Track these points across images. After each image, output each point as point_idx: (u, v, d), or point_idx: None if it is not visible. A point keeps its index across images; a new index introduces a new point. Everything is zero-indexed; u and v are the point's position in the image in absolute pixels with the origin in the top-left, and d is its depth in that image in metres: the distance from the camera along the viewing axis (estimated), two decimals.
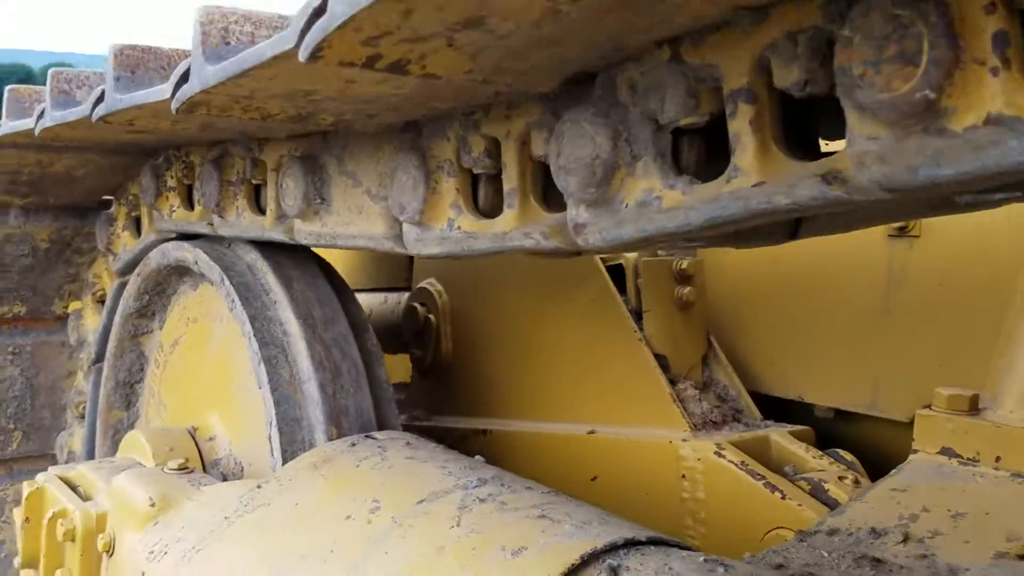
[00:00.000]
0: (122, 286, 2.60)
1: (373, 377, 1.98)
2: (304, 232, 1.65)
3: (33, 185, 2.38)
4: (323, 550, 1.44)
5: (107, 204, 2.64)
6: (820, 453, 1.92)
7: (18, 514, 2.10)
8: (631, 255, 2.18)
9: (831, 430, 2.22)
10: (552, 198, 1.12)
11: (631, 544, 1.20)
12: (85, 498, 2.03)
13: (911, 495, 1.49)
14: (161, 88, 1.38)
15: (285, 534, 1.53)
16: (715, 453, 1.85)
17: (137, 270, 2.46)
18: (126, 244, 2.51)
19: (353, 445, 1.75)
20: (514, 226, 1.16)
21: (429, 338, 2.65)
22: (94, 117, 1.40)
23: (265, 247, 2.11)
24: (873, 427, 2.19)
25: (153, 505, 1.75)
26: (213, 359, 2.32)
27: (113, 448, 2.69)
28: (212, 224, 2.04)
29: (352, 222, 1.51)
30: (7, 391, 2.76)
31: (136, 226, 2.52)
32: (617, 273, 2.21)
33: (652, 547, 1.21)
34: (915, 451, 1.64)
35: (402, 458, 1.66)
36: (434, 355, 2.63)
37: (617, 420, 2.11)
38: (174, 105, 1.30)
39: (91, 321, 2.74)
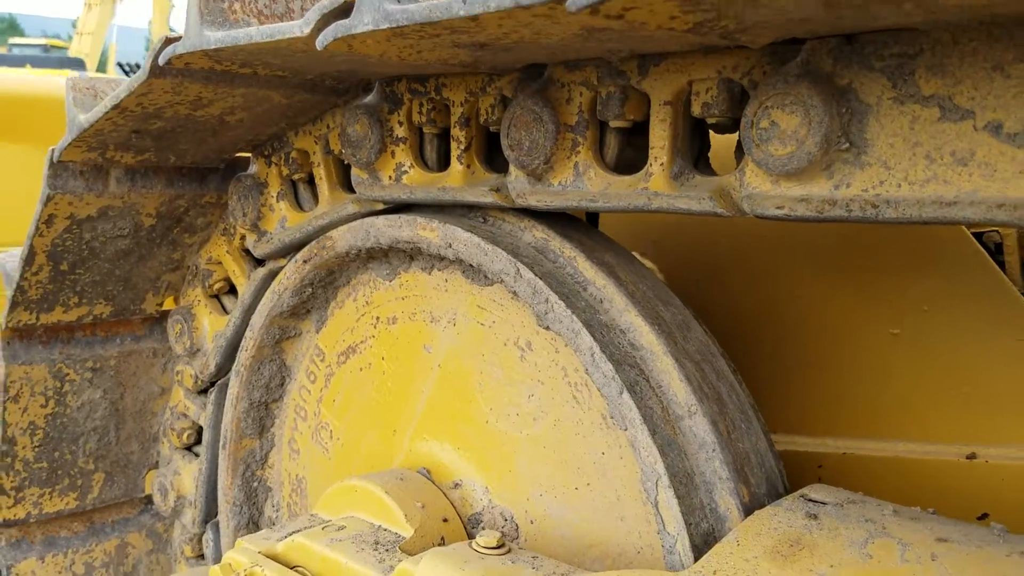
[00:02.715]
0: (270, 276, 1.92)
1: (749, 401, 1.41)
2: (785, 197, 1.06)
3: (161, 137, 1.66)
4: None
5: (236, 164, 1.94)
6: None
7: None
8: None
9: None
10: None
11: None
12: None
13: None
14: None
15: None
16: None
17: (303, 255, 1.79)
18: (285, 219, 1.82)
19: (814, 519, 1.19)
20: None
21: None
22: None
23: (550, 220, 1.50)
24: None
25: None
26: (437, 374, 1.69)
27: (245, 488, 2.03)
28: (503, 190, 1.41)
29: (943, 179, 0.94)
30: (85, 421, 2.04)
31: (295, 193, 1.84)
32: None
33: None
34: None
35: (932, 538, 1.11)
36: None
37: (1013, 439, 1.62)
38: None
39: (208, 322, 2.03)
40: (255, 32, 1.16)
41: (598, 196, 1.28)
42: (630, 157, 1.34)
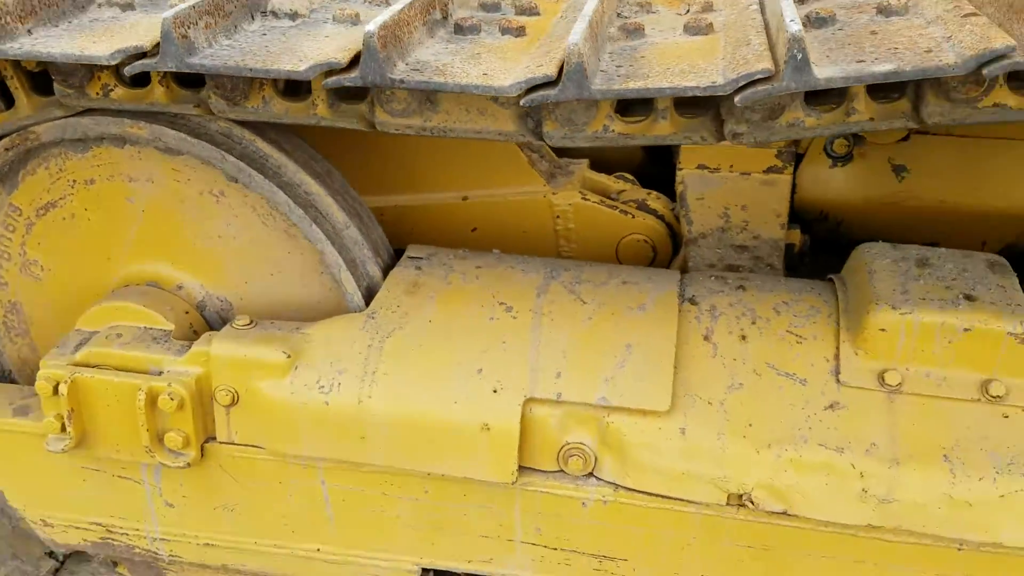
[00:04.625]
0: None
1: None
2: (399, 124, 2.04)
3: None
4: (497, 344, 2.17)
5: None
6: (614, 178, 2.99)
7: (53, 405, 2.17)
8: None
9: None
10: None
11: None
12: (142, 372, 2.19)
13: None
14: None
15: (449, 343, 2.17)
16: (582, 199, 2.82)
17: (4, 144, 2.24)
18: None
19: (419, 269, 2.34)
20: None
21: None
22: None
23: None
24: None
25: (289, 357, 2.15)
26: (143, 217, 2.38)
27: None
28: (204, 105, 2.11)
29: (473, 121, 2.03)
30: None
31: None
32: None
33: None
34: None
35: (473, 267, 2.35)
36: None
37: (486, 186, 2.89)
38: None
39: None
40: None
41: (282, 116, 2.10)
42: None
